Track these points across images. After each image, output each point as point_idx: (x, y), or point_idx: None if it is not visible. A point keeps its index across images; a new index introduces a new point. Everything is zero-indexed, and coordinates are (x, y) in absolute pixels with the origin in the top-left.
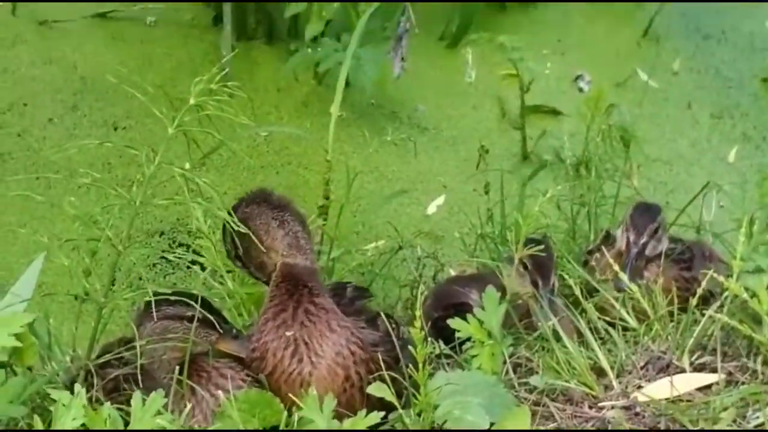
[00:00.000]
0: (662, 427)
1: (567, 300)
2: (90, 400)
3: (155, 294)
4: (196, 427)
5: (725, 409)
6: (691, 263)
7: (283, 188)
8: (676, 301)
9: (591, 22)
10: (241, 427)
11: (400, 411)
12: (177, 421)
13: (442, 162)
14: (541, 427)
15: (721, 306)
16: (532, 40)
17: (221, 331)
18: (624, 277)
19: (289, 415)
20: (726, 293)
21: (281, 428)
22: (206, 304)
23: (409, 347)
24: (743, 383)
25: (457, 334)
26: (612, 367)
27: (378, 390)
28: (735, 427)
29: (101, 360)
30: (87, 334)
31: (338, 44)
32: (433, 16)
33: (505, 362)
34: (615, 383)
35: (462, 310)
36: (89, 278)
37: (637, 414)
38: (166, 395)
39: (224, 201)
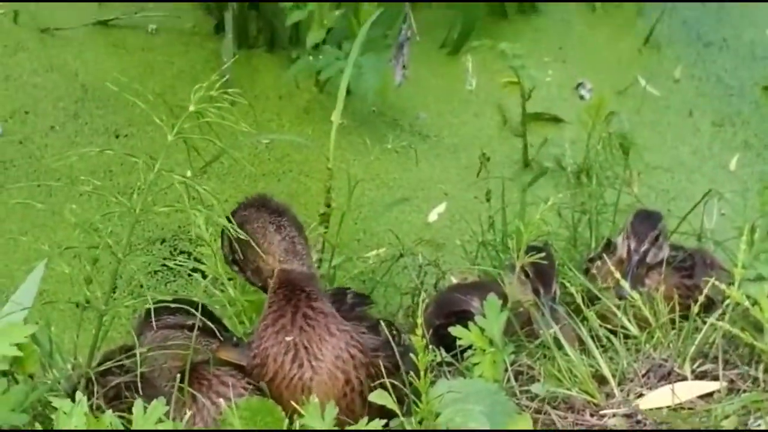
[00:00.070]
0: None
1: (568, 308)
2: (91, 407)
3: (156, 302)
4: None
5: (727, 416)
6: (692, 271)
7: (284, 196)
8: (677, 308)
9: (592, 30)
10: None
11: (402, 419)
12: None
13: (444, 169)
14: None
15: (723, 314)
16: (534, 48)
17: (222, 339)
18: (625, 284)
19: (291, 422)
20: (727, 301)
21: None
22: (206, 312)
23: (411, 355)
24: (745, 391)
25: (458, 342)
26: (613, 375)
27: (379, 398)
28: None
29: (102, 368)
30: (88, 342)
31: (339, 52)
32: (435, 24)
33: (506, 370)
34: (616, 391)
35: (463, 317)
36: (90, 286)
37: (638, 422)
38: (167, 403)
39: (225, 209)
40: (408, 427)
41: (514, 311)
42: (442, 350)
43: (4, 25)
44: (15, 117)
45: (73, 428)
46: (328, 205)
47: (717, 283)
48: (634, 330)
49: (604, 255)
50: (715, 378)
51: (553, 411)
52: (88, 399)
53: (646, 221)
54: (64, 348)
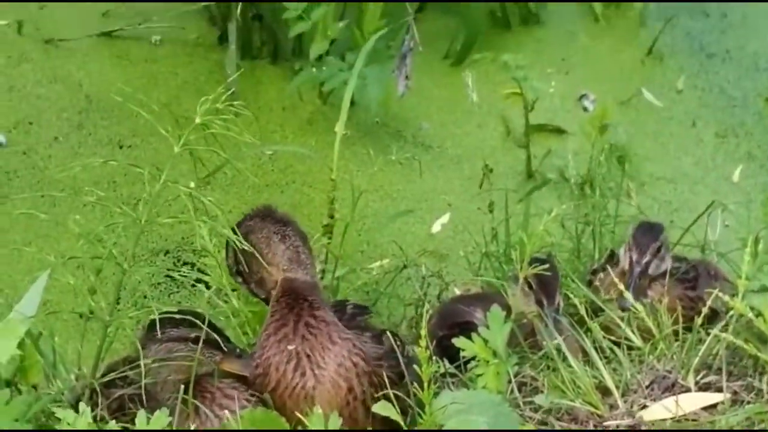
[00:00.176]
0: None
1: (572, 319)
2: (95, 419)
3: (160, 313)
4: None
5: (731, 428)
6: (695, 282)
7: (287, 207)
8: (681, 320)
9: (595, 41)
10: None
11: (405, 430)
12: None
13: (447, 180)
14: None
15: (726, 325)
16: (537, 59)
17: (225, 350)
18: (628, 296)
19: None
20: (731, 312)
21: None
22: (209, 324)
23: (414, 366)
24: (749, 402)
25: (461, 353)
26: (617, 386)
27: (383, 408)
28: None
29: (106, 379)
30: (92, 353)
31: (343, 63)
32: (438, 35)
33: (510, 381)
34: (620, 402)
35: (467, 329)
36: (94, 296)
37: None
38: (170, 416)
39: (229, 219)
40: None
41: (518, 322)
42: (446, 361)
43: (8, 36)
44: (19, 127)
45: None
46: (332, 216)
47: (720, 294)
48: (637, 341)
49: (608, 266)
50: (719, 389)
51: (557, 422)
52: (92, 410)
53: (648, 233)
54: (67, 359)
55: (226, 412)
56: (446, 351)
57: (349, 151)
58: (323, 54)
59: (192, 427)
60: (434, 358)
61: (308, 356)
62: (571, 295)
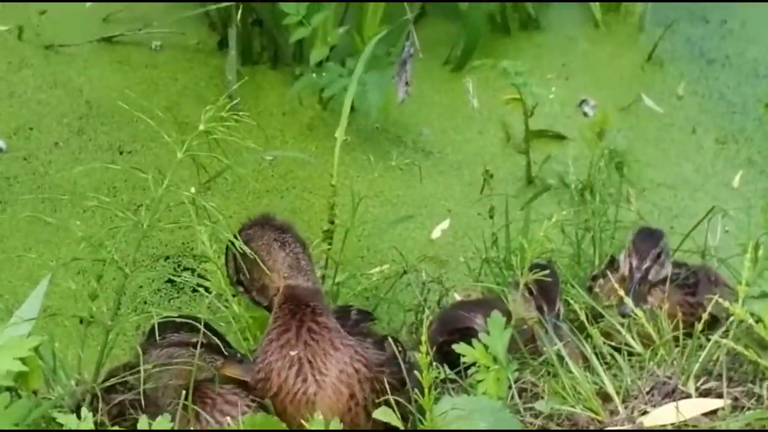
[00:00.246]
0: None
1: (572, 325)
2: (95, 424)
3: (160, 318)
4: None
5: None
6: (695, 288)
7: (288, 212)
8: (681, 326)
9: (595, 47)
10: None
11: None
12: None
13: (447, 186)
14: None
15: (727, 331)
16: (537, 65)
17: (226, 355)
18: (629, 302)
19: None
20: (731, 318)
21: None
22: (210, 329)
23: (415, 372)
24: (749, 408)
25: (462, 359)
26: (617, 392)
27: (384, 414)
28: None
29: (106, 384)
30: (92, 358)
31: (343, 69)
32: (438, 41)
33: (510, 387)
34: (620, 408)
35: (467, 334)
36: (95, 301)
37: None
38: (171, 422)
39: (229, 225)
40: None
41: (518, 328)
42: (446, 367)
43: (8, 41)
44: (19, 133)
45: None
46: (332, 222)
47: (721, 300)
48: (638, 347)
49: (608, 272)
50: (720, 395)
51: (557, 428)
52: (93, 415)
53: (648, 239)
54: (68, 364)
55: (228, 418)
56: (446, 357)
57: (349, 156)
58: (323, 60)
59: None
60: (434, 363)
61: (310, 362)
62: (572, 301)
